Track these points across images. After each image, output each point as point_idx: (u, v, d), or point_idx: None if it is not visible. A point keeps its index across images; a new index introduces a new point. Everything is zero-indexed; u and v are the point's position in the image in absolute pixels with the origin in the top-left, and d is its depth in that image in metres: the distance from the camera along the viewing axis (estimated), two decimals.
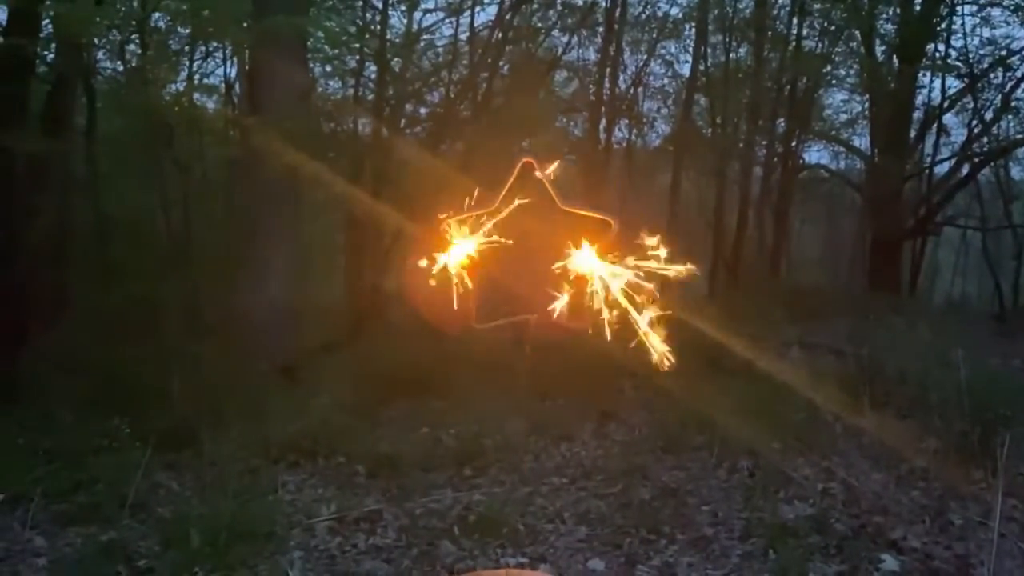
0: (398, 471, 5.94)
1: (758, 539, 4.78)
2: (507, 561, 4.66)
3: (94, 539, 4.83)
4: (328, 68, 13.45)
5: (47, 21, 8.98)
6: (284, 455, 6.32)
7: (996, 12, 15.05)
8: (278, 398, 7.30)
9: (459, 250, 2.48)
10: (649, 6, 16.39)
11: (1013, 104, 15.75)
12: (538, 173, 2.50)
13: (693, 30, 16.11)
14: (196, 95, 13.06)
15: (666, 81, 18.24)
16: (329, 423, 6.63)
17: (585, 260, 2.44)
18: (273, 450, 6.32)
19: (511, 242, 2.50)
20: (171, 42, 11.90)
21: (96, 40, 10.11)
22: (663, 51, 17.44)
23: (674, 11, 16.50)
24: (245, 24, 8.96)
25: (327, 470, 6.17)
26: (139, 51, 9.71)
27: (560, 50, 15.73)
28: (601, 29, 15.24)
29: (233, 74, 13.66)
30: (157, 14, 9.84)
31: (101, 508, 5.20)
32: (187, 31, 11.34)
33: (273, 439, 6.42)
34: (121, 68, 10.76)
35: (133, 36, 9.46)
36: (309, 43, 10.12)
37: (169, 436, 6.13)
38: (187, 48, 12.49)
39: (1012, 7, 14.71)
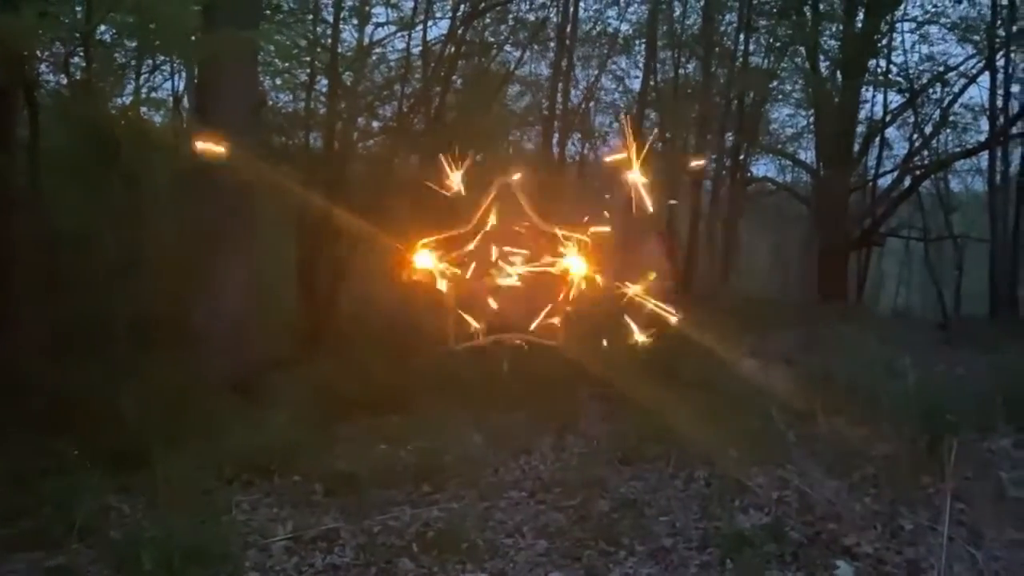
0: (356, 488, 5.86)
1: (715, 548, 4.83)
2: None
3: (41, 565, 4.70)
4: (279, 81, 13.34)
5: None
6: (239, 474, 6.20)
7: (934, 30, 15.60)
8: (232, 416, 7.17)
9: (422, 263, 2.50)
10: (600, 22, 16.63)
11: (951, 118, 16.30)
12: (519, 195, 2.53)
13: (643, 46, 16.35)
14: (143, 109, 12.85)
15: (617, 96, 18.49)
16: (285, 441, 6.54)
17: (577, 264, 2.51)
18: (227, 469, 6.20)
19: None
20: (117, 55, 11.70)
21: (39, 52, 9.88)
22: (614, 66, 17.70)
23: (624, 27, 16.78)
24: (193, 38, 8.83)
25: (283, 489, 6.08)
26: (84, 64, 9.52)
27: (513, 65, 15.84)
28: (553, 44, 15.38)
29: (181, 87, 13.48)
30: (103, 27, 9.67)
31: (48, 532, 5.04)
32: (134, 44, 11.16)
33: (227, 458, 6.29)
34: (65, 81, 10.54)
35: (78, 49, 9.28)
36: (260, 56, 10.02)
37: (119, 456, 5.98)
38: (134, 61, 12.29)
39: (949, 25, 15.23)
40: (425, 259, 2.48)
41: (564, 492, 5.81)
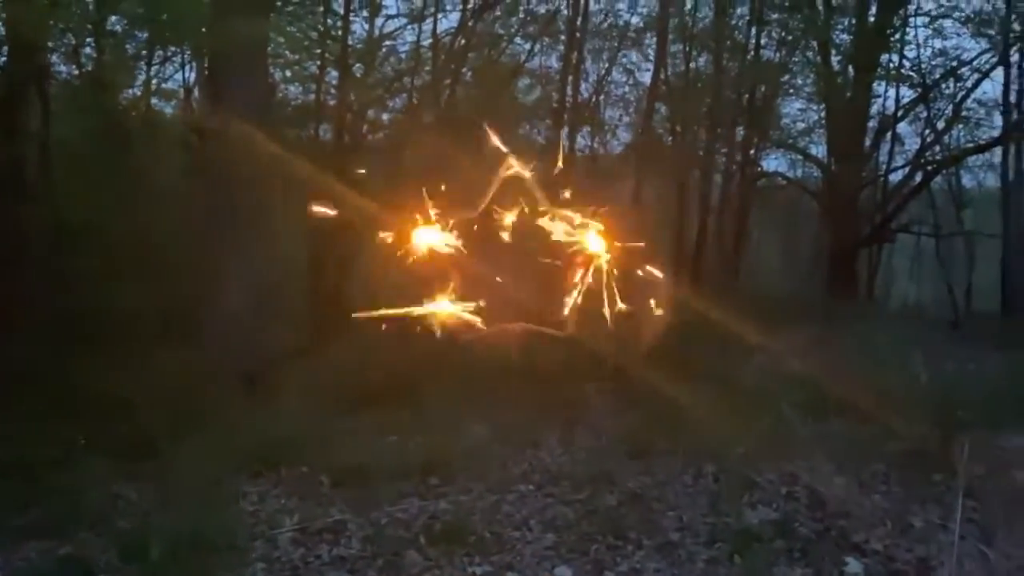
0: (363, 480, 5.85)
1: (723, 544, 4.81)
2: (473, 570, 4.63)
3: (51, 553, 4.72)
4: (289, 73, 13.32)
5: None
6: (246, 465, 6.21)
7: (948, 24, 15.44)
8: (241, 407, 7.17)
9: (426, 239, 2.47)
10: (611, 15, 16.55)
11: (964, 114, 16.14)
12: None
13: (654, 39, 16.26)
14: (154, 100, 12.87)
15: (627, 89, 18.38)
16: (293, 432, 6.54)
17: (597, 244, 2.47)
18: (235, 460, 6.20)
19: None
20: (128, 46, 11.71)
21: (50, 43, 9.90)
22: (624, 59, 17.59)
23: (635, 20, 16.68)
24: (204, 29, 8.82)
25: (290, 480, 6.07)
26: (95, 55, 9.54)
27: (523, 57, 15.78)
28: (563, 37, 15.31)
29: (192, 79, 13.47)
30: (114, 17, 9.67)
31: (57, 522, 5.07)
32: (144, 35, 11.16)
33: (235, 449, 6.30)
34: (76, 72, 10.56)
35: (89, 39, 9.29)
36: (270, 48, 10.01)
37: (127, 446, 6.00)
38: (145, 52, 12.29)
39: (963, 19, 15.09)
40: (429, 236, 2.43)
41: (572, 486, 5.80)
